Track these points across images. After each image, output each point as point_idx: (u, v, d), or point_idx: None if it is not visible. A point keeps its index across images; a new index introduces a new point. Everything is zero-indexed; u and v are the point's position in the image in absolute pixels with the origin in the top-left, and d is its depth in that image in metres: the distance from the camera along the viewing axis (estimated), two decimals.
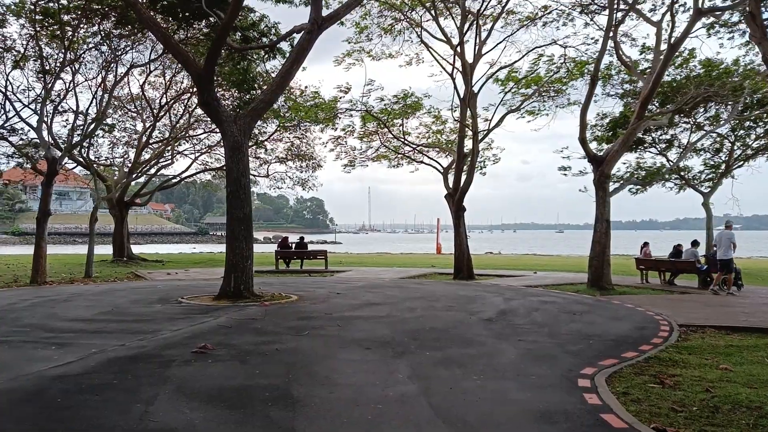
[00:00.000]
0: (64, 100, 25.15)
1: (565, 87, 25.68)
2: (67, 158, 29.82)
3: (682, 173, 30.36)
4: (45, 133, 22.22)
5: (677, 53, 21.60)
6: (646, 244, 22.30)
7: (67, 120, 25.19)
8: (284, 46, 21.28)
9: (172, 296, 15.39)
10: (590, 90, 19.51)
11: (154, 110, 32.42)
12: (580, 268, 28.69)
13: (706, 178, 30.92)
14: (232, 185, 15.16)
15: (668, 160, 30.07)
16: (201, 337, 9.62)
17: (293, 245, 28.85)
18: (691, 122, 29.04)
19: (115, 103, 33.45)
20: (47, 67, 22.57)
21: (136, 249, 63.69)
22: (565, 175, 30.06)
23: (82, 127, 25.88)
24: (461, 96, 23.50)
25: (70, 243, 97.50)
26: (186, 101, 32.47)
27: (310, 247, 32.31)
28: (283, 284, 19.63)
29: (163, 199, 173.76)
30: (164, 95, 31.96)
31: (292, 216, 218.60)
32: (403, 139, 27.37)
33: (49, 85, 22.32)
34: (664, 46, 19.77)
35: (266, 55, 24.37)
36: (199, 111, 30.61)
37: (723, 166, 30.18)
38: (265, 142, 34.53)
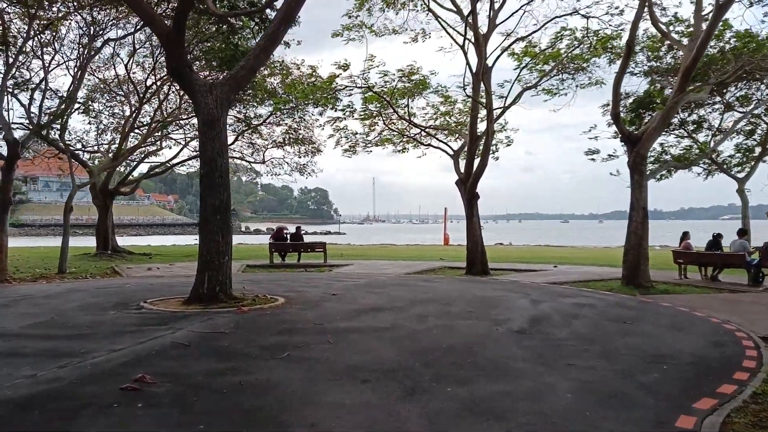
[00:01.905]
0: (32, 77, 22.79)
1: (587, 64, 23.11)
2: (42, 142, 27.67)
3: (713, 157, 27.69)
4: (6, 113, 19.96)
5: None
6: (685, 234, 19.71)
7: (32, 98, 22.70)
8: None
9: (135, 299, 12.89)
10: (625, 60, 16.88)
11: (140, 93, 29.91)
12: (604, 260, 26.35)
13: (738, 162, 28.31)
14: (206, 166, 12.66)
15: (697, 143, 27.49)
16: (144, 362, 7.21)
17: (289, 236, 26.45)
18: (722, 102, 26.58)
19: (102, 86, 31.19)
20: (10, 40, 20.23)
21: (136, 241, 61.64)
22: (593, 160, 27.55)
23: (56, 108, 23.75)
24: (473, 70, 20.98)
25: (71, 235, 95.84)
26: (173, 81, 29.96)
27: (313, 238, 29.89)
28: (272, 282, 17.16)
29: (166, 190, 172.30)
30: (150, 75, 29.45)
31: (296, 206, 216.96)
32: (408, 120, 24.77)
33: (11, 59, 19.99)
34: (706, 10, 17.29)
35: (257, 26, 21.99)
36: None
37: (758, 150, 27.58)
38: (261, 126, 32.08)
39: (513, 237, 70.58)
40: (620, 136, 17.49)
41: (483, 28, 20.55)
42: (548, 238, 70.76)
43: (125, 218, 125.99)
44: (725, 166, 28.36)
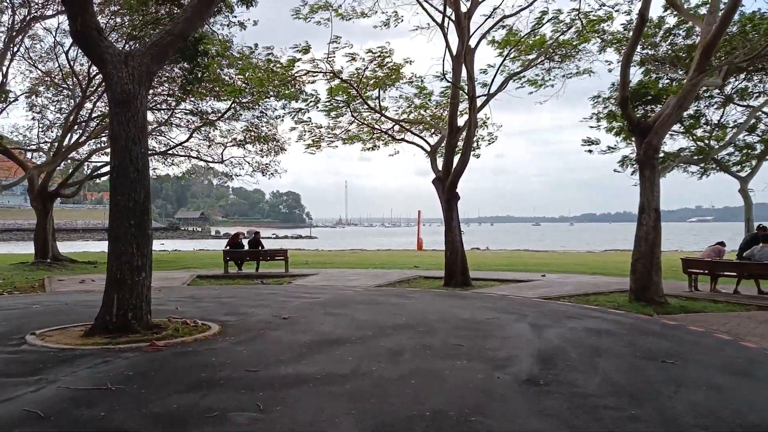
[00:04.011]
0: None
1: (575, 51, 20.75)
2: None
3: (712, 155, 25.41)
4: None
5: None
6: (722, 244, 17.16)
7: None
8: None
9: (29, 327, 9.93)
10: (636, 33, 14.17)
11: (83, 84, 26.96)
12: (595, 268, 23.96)
13: (739, 160, 26.06)
14: (117, 157, 9.80)
15: (695, 138, 25.25)
16: None
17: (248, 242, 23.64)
18: (721, 95, 24.43)
19: (46, 79, 28.27)
20: None
21: (100, 246, 57.89)
22: (590, 151, 25.23)
23: None
24: (454, 52, 18.40)
25: (29, 240, 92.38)
26: None
27: (284, 243, 27.17)
28: (214, 300, 14.30)
29: None
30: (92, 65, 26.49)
31: (268, 210, 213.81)
32: (380, 112, 22.02)
33: None
34: None
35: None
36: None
37: (759, 147, 25.39)
38: (219, 122, 29.11)
39: (488, 241, 68.14)
40: (629, 123, 14.90)
41: (466, 3, 18.05)
42: (525, 242, 68.64)
43: (92, 222, 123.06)
44: (723, 164, 26.15)
